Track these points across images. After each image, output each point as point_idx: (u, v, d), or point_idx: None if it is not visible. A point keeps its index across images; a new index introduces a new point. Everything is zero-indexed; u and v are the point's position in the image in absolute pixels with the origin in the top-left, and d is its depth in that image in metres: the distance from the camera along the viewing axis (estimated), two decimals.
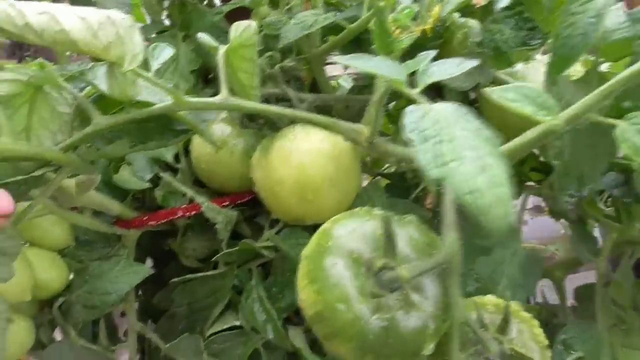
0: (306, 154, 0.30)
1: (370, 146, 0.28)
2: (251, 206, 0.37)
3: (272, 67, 0.34)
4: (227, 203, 0.36)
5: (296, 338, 0.35)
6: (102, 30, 0.23)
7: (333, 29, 0.34)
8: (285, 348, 0.34)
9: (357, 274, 0.20)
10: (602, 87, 0.18)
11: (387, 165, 0.43)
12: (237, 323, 0.35)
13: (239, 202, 0.36)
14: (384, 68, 0.21)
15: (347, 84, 0.48)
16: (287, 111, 0.27)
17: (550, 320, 0.35)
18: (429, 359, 0.22)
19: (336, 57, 0.23)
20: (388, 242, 0.20)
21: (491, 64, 0.30)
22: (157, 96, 0.26)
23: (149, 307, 0.42)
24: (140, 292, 0.44)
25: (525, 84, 0.19)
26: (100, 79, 0.25)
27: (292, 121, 0.33)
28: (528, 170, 0.38)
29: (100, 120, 0.25)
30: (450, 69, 0.21)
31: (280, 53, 0.35)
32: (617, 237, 0.32)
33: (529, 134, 0.20)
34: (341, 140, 0.31)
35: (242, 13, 0.39)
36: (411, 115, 0.19)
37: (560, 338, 0.31)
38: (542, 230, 0.62)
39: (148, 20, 0.45)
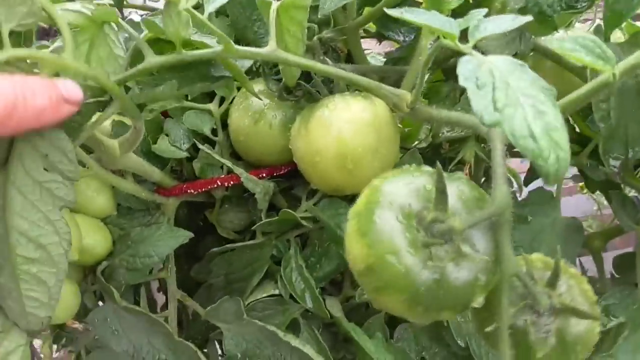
0: (347, 124, 0.30)
1: (413, 112, 0.28)
2: (288, 178, 0.38)
3: (311, 39, 0.34)
4: (264, 175, 0.37)
5: (333, 307, 0.35)
6: None
7: (369, 0, 0.35)
8: (323, 316, 0.34)
9: (408, 226, 0.20)
10: None
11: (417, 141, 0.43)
12: (276, 292, 0.36)
13: (276, 174, 0.37)
14: (437, 21, 0.22)
15: (375, 61, 0.48)
16: (332, 69, 0.28)
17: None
18: (477, 311, 0.22)
19: (388, 10, 0.23)
20: (440, 194, 0.20)
21: (533, 30, 0.30)
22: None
23: (185, 281, 0.43)
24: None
25: (586, 36, 0.19)
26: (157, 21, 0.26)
27: (331, 92, 0.33)
28: None
29: (152, 59, 0.26)
30: (505, 24, 0.21)
31: (317, 25, 0.35)
32: None
33: (585, 87, 0.20)
34: (382, 109, 0.31)
35: None
36: (466, 65, 0.19)
37: (601, 304, 0.31)
38: (575, 209, 0.62)
39: None
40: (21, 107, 0.22)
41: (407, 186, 0.21)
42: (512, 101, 0.18)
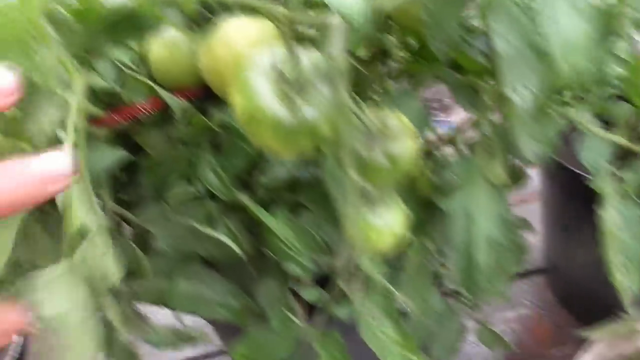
0: (239, 37, 0.38)
1: (290, 22, 0.36)
2: (202, 100, 0.45)
3: None
4: (181, 98, 0.44)
5: (243, 198, 0.43)
6: None
7: None
8: (235, 204, 0.42)
9: (271, 81, 0.29)
10: None
11: None
12: (193, 189, 0.43)
13: (191, 96, 0.45)
14: None
15: None
16: None
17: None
18: (332, 145, 0.30)
19: None
20: (291, 55, 0.28)
21: None
22: None
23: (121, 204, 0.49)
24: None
25: None
26: None
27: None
28: None
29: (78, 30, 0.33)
30: None
31: None
32: (493, 94, 0.41)
33: None
34: (268, 23, 0.39)
35: None
36: None
37: (446, 167, 0.40)
38: None
39: None
40: None
41: (270, 53, 0.30)
42: None
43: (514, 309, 0.85)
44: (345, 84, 0.29)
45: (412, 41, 0.48)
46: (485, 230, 0.36)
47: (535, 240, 0.94)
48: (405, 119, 0.31)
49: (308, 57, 0.29)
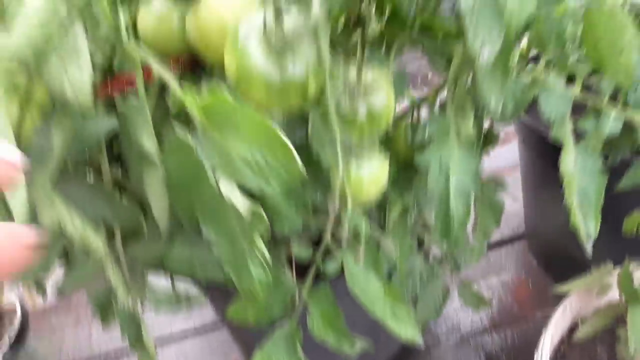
0: (223, 4, 0.40)
1: None
2: (194, 69, 0.48)
3: None
4: (174, 68, 0.46)
5: None
6: None
7: None
8: None
9: (260, 41, 0.31)
10: None
11: None
12: None
13: (180, 64, 0.47)
14: None
15: None
16: None
17: None
18: (317, 103, 0.33)
19: None
20: (277, 17, 0.31)
21: None
22: None
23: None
24: None
25: None
26: None
27: None
28: None
29: None
30: None
31: None
32: (462, 54, 0.44)
33: None
34: None
35: None
36: None
37: (420, 126, 0.43)
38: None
39: None
40: None
41: (257, 18, 0.32)
42: None
43: (497, 275, 0.90)
44: (327, 42, 0.32)
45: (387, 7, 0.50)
46: (458, 180, 0.39)
47: (516, 206, 0.99)
48: (384, 76, 0.34)
49: (293, 18, 0.32)
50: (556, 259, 0.83)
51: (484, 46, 0.32)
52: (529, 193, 0.85)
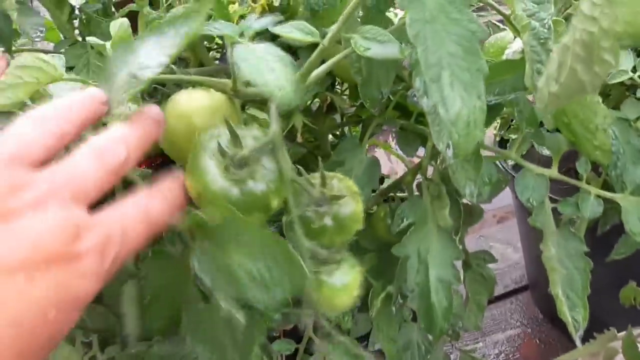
0: (190, 108, 0.40)
1: (235, 93, 0.38)
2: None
3: None
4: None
5: None
6: (25, 76, 0.32)
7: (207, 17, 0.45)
8: None
9: (218, 162, 0.30)
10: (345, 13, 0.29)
11: None
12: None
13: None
14: (220, 27, 0.32)
15: None
16: (170, 77, 0.38)
17: None
18: (281, 213, 0.32)
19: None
20: (233, 137, 0.30)
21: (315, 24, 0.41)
22: None
23: None
24: None
25: (298, 21, 0.30)
26: None
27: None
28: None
29: None
30: (264, 22, 0.32)
31: None
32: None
33: (313, 55, 0.31)
34: (219, 96, 0.42)
35: (134, 16, 0.49)
36: (237, 50, 0.30)
37: (397, 213, 0.42)
38: None
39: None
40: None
41: (215, 135, 0.31)
42: (258, 66, 0.28)
43: (502, 331, 0.87)
44: (286, 158, 0.31)
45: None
46: (438, 272, 0.38)
47: (517, 257, 0.97)
48: (349, 181, 0.33)
49: (251, 135, 0.31)
50: None
51: (448, 148, 0.31)
52: (528, 242, 0.83)
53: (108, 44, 0.35)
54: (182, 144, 0.41)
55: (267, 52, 0.29)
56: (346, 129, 0.57)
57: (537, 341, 0.86)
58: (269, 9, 0.41)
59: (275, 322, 0.42)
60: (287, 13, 0.44)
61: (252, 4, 0.38)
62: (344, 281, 0.32)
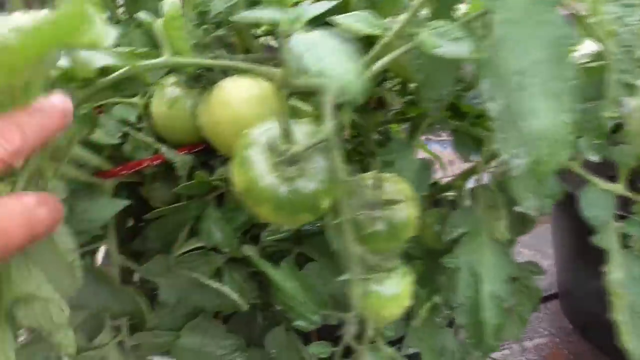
0: (236, 97, 0.38)
1: (284, 83, 0.36)
2: (204, 154, 0.46)
3: (206, 38, 0.42)
4: (184, 152, 0.44)
5: (247, 250, 0.43)
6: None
7: (254, 2, 0.43)
8: (236, 255, 0.42)
9: (268, 156, 0.29)
10: (413, 6, 0.27)
11: None
12: (200, 245, 0.43)
13: (192, 151, 0.45)
14: (271, 13, 0.30)
15: None
16: (214, 62, 0.36)
17: None
18: (331, 214, 0.30)
19: (236, 17, 0.31)
20: (284, 131, 0.28)
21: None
22: None
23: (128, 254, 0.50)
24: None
25: (362, 12, 0.28)
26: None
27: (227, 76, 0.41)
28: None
29: (78, 94, 0.33)
30: (320, 7, 0.29)
31: (216, 26, 0.43)
32: (492, 143, 0.41)
33: (376, 48, 0.29)
34: (267, 86, 0.40)
35: None
36: (295, 39, 0.28)
37: (448, 221, 0.40)
38: None
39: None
40: None
41: (267, 130, 0.30)
42: (322, 56, 0.26)
43: (530, 339, 0.84)
44: (340, 158, 0.29)
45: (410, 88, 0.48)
46: (491, 288, 0.35)
47: (546, 264, 0.93)
48: (404, 184, 0.31)
49: (303, 130, 0.29)
50: (593, 324, 0.77)
51: (517, 157, 0.29)
52: (561, 251, 0.79)
53: (159, 21, 0.33)
54: (226, 133, 0.39)
55: (328, 41, 0.27)
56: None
57: (566, 352, 0.82)
58: None
59: (314, 322, 0.41)
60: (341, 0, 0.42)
61: None
62: (394, 291, 0.30)
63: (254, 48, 0.46)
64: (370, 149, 0.49)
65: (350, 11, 0.36)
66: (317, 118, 0.31)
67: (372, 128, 0.48)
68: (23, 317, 0.30)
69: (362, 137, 0.48)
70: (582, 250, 0.71)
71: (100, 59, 0.32)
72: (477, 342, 0.36)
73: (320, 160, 0.29)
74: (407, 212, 0.30)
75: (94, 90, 0.32)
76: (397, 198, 0.30)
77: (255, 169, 0.28)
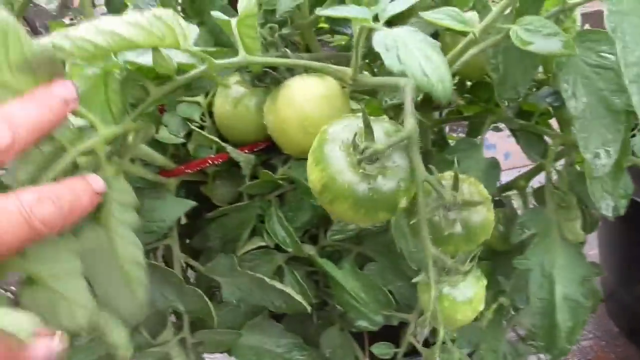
0: (304, 96, 0.38)
1: (355, 82, 0.36)
2: (266, 153, 0.46)
3: (272, 36, 0.42)
4: (246, 151, 0.45)
5: (309, 249, 0.43)
6: (154, 26, 0.29)
7: (318, 1, 0.43)
8: (300, 255, 0.42)
9: (347, 153, 0.28)
10: (501, 3, 0.27)
11: None
12: (263, 243, 0.43)
13: (256, 150, 0.45)
14: (353, 11, 0.30)
15: None
16: (289, 61, 0.36)
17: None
18: (406, 212, 0.30)
19: (318, 11, 0.31)
20: (366, 128, 0.28)
21: None
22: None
23: (186, 253, 0.51)
24: None
25: (449, 7, 0.27)
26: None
27: (293, 75, 0.41)
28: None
29: (156, 91, 0.33)
30: (402, 4, 0.29)
31: (278, 24, 0.43)
32: (560, 142, 0.40)
33: (459, 45, 0.28)
34: (332, 84, 0.40)
35: None
36: (377, 36, 0.28)
37: (518, 222, 0.39)
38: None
39: None
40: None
41: (345, 126, 0.29)
42: (410, 54, 0.26)
43: (576, 342, 0.82)
44: (419, 156, 0.29)
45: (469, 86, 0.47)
46: (564, 290, 0.35)
47: None
48: (480, 185, 0.31)
49: (381, 127, 0.29)
50: None
51: (600, 153, 0.28)
52: (607, 252, 0.77)
53: (234, 21, 0.33)
54: (292, 131, 0.39)
55: (414, 38, 0.27)
56: None
57: (613, 356, 0.80)
58: None
59: (376, 323, 0.40)
60: None
61: None
62: (468, 295, 0.30)
63: (314, 47, 0.46)
64: (427, 147, 0.49)
65: (421, 7, 0.36)
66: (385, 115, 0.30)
67: (430, 126, 0.47)
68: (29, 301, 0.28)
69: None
70: (629, 252, 0.69)
71: (180, 57, 0.32)
72: (549, 345, 0.35)
73: (400, 159, 0.29)
74: (484, 214, 0.30)
75: (172, 88, 0.32)
76: (475, 199, 0.29)
77: (335, 165, 0.28)
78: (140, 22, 0.29)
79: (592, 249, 0.82)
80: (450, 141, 0.52)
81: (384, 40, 0.27)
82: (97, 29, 0.28)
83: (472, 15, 0.41)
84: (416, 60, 0.25)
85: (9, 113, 0.23)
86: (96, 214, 0.31)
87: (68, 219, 0.25)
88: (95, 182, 0.28)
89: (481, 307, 0.30)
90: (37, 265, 0.28)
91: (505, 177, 0.46)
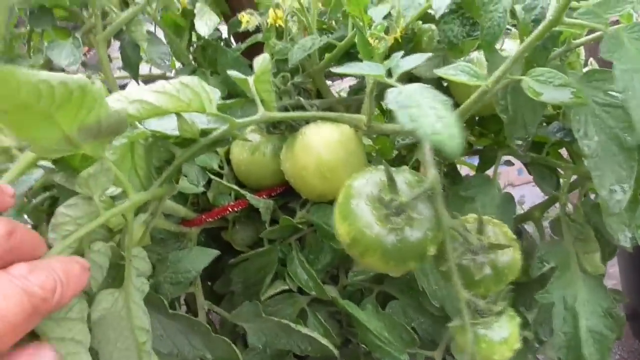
0: (320, 143, 0.39)
1: (369, 128, 0.37)
2: (283, 197, 0.47)
3: (285, 85, 0.44)
4: (264, 196, 0.45)
5: (331, 291, 0.44)
6: (182, 93, 0.30)
7: (328, 48, 0.44)
8: (323, 298, 0.43)
9: (373, 207, 0.29)
10: (512, 56, 0.28)
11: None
12: (286, 287, 0.44)
13: (273, 194, 0.46)
14: (367, 68, 0.31)
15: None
16: (306, 114, 0.37)
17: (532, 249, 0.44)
18: (435, 259, 0.30)
19: (333, 69, 0.32)
20: (390, 181, 0.29)
21: (450, 55, 0.39)
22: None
23: (208, 297, 0.51)
24: None
25: (461, 62, 0.28)
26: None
27: (308, 122, 0.42)
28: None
29: (181, 154, 0.34)
30: (414, 61, 0.30)
31: (290, 73, 0.44)
32: (572, 173, 0.41)
33: (471, 98, 0.29)
34: (346, 130, 0.41)
35: (255, 47, 0.49)
36: (391, 95, 0.29)
37: (537, 255, 0.40)
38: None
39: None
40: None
41: (369, 180, 0.30)
42: (423, 112, 0.27)
43: None
44: (443, 204, 0.30)
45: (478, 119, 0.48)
46: (588, 323, 0.35)
47: (610, 284, 0.90)
48: (504, 227, 0.31)
49: (403, 179, 0.30)
50: None
51: (615, 189, 0.29)
52: (627, 270, 0.78)
53: (251, 79, 0.34)
54: (310, 177, 0.40)
55: (425, 95, 0.28)
56: None
57: None
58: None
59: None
60: (412, 43, 0.43)
61: (385, 37, 0.37)
62: (504, 335, 0.30)
63: (324, 92, 0.47)
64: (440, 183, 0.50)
65: (421, 52, 0.37)
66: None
67: (441, 161, 0.48)
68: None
69: None
70: None
71: (202, 119, 0.33)
72: None
73: (424, 208, 0.30)
74: (511, 255, 0.30)
75: (196, 149, 0.33)
76: (502, 242, 0.30)
77: (362, 219, 0.29)
78: (168, 90, 0.30)
79: (612, 266, 0.82)
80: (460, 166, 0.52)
81: (396, 98, 0.28)
82: (127, 99, 0.29)
83: (479, 55, 0.42)
84: (428, 119, 0.26)
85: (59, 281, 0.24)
86: (116, 278, 0.32)
87: (66, 291, 0.25)
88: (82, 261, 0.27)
89: (517, 346, 0.31)
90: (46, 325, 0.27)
91: (518, 192, 0.47)
